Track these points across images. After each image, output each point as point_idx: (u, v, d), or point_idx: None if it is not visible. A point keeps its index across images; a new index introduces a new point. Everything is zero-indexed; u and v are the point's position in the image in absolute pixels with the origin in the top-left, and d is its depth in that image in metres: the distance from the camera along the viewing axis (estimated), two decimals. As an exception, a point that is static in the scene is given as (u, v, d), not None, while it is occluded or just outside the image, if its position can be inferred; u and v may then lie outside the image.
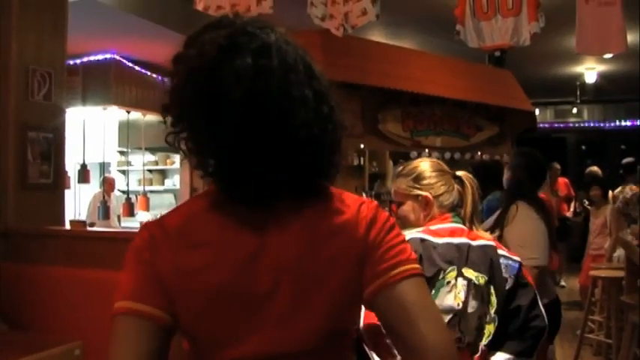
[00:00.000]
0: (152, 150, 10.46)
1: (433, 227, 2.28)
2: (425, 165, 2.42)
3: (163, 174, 11.26)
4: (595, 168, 10.48)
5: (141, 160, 10.00)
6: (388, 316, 1.30)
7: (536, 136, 13.94)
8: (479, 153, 8.45)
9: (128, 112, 8.77)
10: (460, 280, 2.16)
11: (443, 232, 2.26)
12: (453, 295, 2.13)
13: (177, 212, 1.36)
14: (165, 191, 10.91)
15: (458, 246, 2.22)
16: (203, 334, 1.30)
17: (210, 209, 1.32)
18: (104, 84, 8.24)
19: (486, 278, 2.20)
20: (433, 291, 2.11)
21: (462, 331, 2.13)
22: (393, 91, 7.11)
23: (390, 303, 1.28)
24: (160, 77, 8.89)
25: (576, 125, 16.09)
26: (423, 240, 2.19)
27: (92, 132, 8.91)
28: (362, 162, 10.12)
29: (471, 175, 2.45)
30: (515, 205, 3.50)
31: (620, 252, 6.59)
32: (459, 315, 2.12)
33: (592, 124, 16.00)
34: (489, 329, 2.19)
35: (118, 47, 8.19)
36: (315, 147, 1.27)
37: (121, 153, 10.53)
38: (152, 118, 9.16)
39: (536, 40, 8.99)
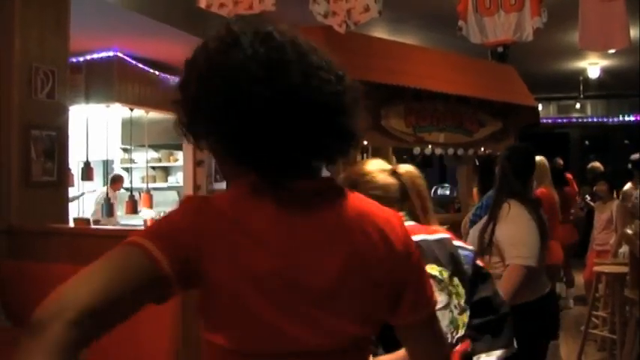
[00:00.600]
0: (155, 147, 10.49)
1: None
2: (368, 166, 2.42)
3: (166, 171, 11.29)
4: (597, 163, 10.47)
5: (144, 157, 10.01)
6: (424, 346, 1.49)
7: (539, 132, 13.95)
8: (482, 149, 8.42)
9: (131, 110, 8.77)
10: None
11: None
12: None
13: (222, 197, 1.32)
14: (169, 188, 10.92)
15: (418, 244, 2.24)
16: (236, 321, 1.27)
17: (254, 197, 1.30)
18: (107, 82, 8.25)
19: (449, 271, 2.26)
20: None
21: None
22: (395, 87, 7.08)
23: (430, 334, 1.47)
24: (163, 75, 8.91)
25: (579, 120, 16.08)
26: None
27: (95, 130, 8.92)
28: (365, 158, 10.13)
29: (412, 169, 2.45)
30: (508, 204, 3.53)
31: (625, 248, 6.59)
32: None
33: (595, 120, 15.98)
34: (463, 320, 2.26)
35: (120, 45, 8.20)
36: (339, 107, 1.31)
37: (124, 150, 10.56)
38: (155, 115, 9.17)
39: (539, 35, 8.95)
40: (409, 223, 2.32)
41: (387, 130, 7.25)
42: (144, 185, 9.81)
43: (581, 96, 13.93)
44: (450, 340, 2.21)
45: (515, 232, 3.43)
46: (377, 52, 7.15)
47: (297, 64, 1.26)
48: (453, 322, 2.26)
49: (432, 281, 2.20)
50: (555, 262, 6.01)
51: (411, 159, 10.34)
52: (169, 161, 11.02)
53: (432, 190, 8.35)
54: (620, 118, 15.70)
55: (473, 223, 4.33)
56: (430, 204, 2.44)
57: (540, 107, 15.49)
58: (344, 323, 1.29)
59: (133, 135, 9.31)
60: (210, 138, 1.33)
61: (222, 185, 8.86)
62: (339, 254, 1.29)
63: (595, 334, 6.54)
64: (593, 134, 16.82)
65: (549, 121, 15.79)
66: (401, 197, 2.37)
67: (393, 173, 2.40)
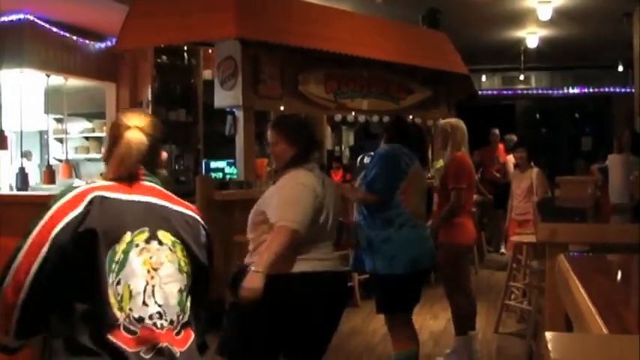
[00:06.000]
0: (87, 116, 10.13)
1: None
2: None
3: (100, 141, 10.92)
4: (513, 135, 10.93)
5: (77, 127, 9.80)
6: None
7: (483, 103, 13.84)
8: (410, 117, 8.23)
9: (48, 76, 8.40)
10: (155, 243, 2.02)
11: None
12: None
13: None
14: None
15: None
16: None
17: None
18: (18, 46, 7.85)
19: (181, 245, 2.09)
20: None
21: (160, 305, 1.95)
22: (315, 52, 6.83)
23: None
24: (81, 40, 8.53)
25: (524, 92, 16.00)
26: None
27: (22, 98, 8.47)
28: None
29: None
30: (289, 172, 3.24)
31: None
32: (153, 285, 1.97)
33: (540, 92, 15.92)
34: (187, 304, 2.06)
35: (33, 7, 7.80)
36: None
37: (58, 120, 10.17)
38: (76, 82, 8.82)
39: (472, 1, 8.79)
40: (165, 190, 2.17)
41: (305, 95, 7.01)
42: (79, 156, 9.65)
43: (522, 66, 13.82)
44: (175, 325, 1.98)
45: (286, 195, 3.16)
46: (294, 15, 6.89)
47: None
48: (181, 304, 2.02)
49: (161, 248, 2.00)
50: (467, 242, 5.23)
51: (350, 126, 10.12)
52: (103, 131, 10.65)
53: (358, 159, 8.12)
54: (565, 91, 15.66)
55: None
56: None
57: (484, 78, 15.43)
58: None
59: (55, 103, 8.92)
60: None
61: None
62: None
63: (515, 306, 6.39)
64: (539, 106, 16.78)
65: (494, 92, 15.70)
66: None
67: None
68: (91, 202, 1.96)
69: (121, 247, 1.94)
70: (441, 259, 4.85)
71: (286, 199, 3.12)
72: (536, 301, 4.56)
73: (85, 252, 1.91)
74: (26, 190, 8.00)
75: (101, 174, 2.15)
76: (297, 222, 3.03)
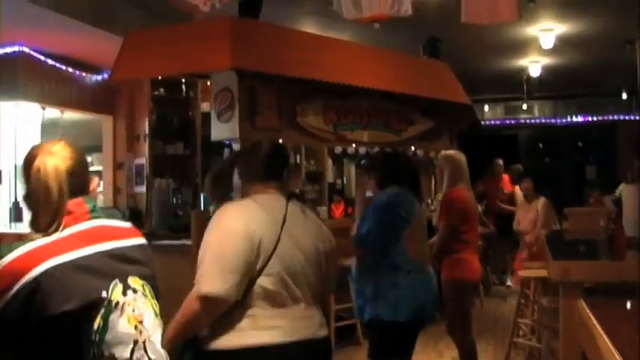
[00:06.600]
0: (84, 150, 9.96)
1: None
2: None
3: (99, 175, 10.76)
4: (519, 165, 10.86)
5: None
6: None
7: (485, 133, 13.70)
8: (412, 148, 8.06)
9: (43, 109, 8.28)
10: (130, 293, 1.77)
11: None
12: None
13: None
14: (101, 192, 10.41)
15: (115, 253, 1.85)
16: None
17: None
18: (12, 78, 7.76)
19: (149, 285, 1.86)
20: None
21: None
22: (313, 82, 6.67)
23: None
24: (77, 72, 8.43)
25: (527, 122, 15.88)
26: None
27: (18, 131, 8.35)
28: (298, 160, 9.72)
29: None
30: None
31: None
32: (143, 341, 1.72)
33: (544, 121, 15.78)
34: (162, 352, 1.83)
35: (28, 40, 7.72)
36: None
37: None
38: (72, 115, 8.71)
39: (473, 30, 8.68)
40: (115, 223, 1.91)
41: (304, 127, 6.84)
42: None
43: (525, 95, 13.69)
44: None
45: (206, 243, 2.44)
46: (291, 45, 6.75)
47: None
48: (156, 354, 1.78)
49: (137, 296, 1.76)
50: (472, 278, 5.02)
51: (351, 158, 9.92)
52: (100, 165, 10.49)
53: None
54: (569, 119, 15.52)
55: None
56: None
57: (487, 108, 15.31)
58: None
59: (51, 136, 8.79)
60: None
61: (143, 188, 8.41)
62: None
63: (523, 343, 6.15)
64: (542, 135, 16.62)
65: (497, 122, 15.57)
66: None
67: None
68: (38, 278, 1.63)
69: (98, 312, 1.67)
70: (445, 295, 4.71)
71: (205, 250, 2.42)
72: (548, 342, 4.34)
73: (49, 338, 1.62)
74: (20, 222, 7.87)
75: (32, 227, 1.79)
76: (209, 284, 2.30)
